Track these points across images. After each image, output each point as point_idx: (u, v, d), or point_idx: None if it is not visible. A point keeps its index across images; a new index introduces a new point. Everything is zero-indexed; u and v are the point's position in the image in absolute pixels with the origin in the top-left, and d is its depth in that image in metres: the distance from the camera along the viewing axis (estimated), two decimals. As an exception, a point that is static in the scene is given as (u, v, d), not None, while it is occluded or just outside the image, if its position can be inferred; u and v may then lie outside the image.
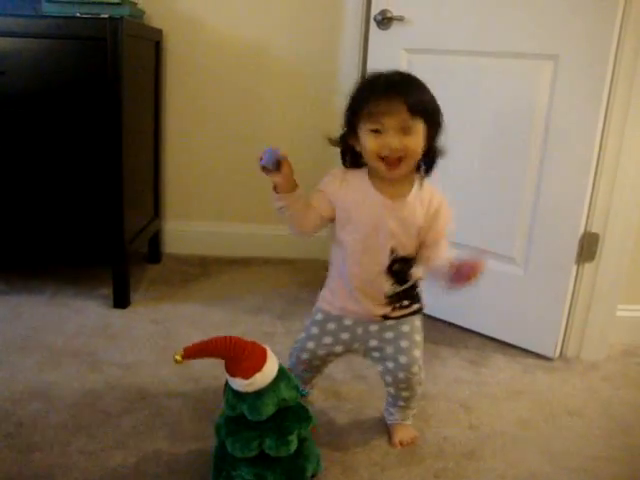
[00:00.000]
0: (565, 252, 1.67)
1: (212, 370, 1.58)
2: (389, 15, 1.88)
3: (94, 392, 1.46)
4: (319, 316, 1.31)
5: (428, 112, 1.13)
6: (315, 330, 1.31)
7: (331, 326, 1.30)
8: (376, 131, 1.11)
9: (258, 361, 1.10)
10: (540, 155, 1.67)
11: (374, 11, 1.93)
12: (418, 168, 1.21)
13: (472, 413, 1.48)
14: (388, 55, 1.92)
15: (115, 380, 1.52)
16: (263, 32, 2.27)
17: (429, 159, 1.19)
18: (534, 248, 1.72)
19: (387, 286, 1.24)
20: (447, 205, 1.22)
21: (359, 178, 1.21)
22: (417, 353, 1.28)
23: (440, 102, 1.80)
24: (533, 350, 1.77)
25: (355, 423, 1.42)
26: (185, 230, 2.44)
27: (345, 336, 1.30)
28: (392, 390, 1.33)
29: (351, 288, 1.25)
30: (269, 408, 1.10)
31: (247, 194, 2.40)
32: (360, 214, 1.20)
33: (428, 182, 1.23)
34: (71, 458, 1.23)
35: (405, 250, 1.22)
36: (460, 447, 1.35)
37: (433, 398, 1.53)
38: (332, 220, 1.24)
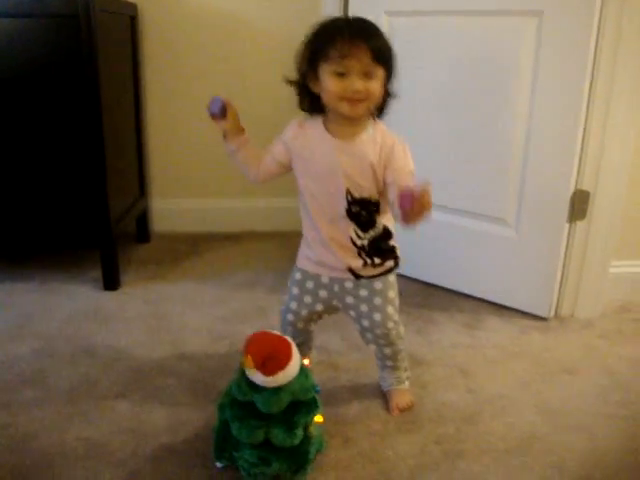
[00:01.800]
0: (556, 211, 1.66)
1: (206, 348, 1.58)
2: (368, -23, 1.83)
3: (89, 377, 1.45)
4: (298, 275, 1.33)
5: (388, 59, 1.16)
6: (295, 290, 1.33)
7: (309, 284, 1.31)
8: (340, 74, 1.12)
9: (283, 359, 1.09)
10: (528, 113, 1.64)
11: (353, -28, 1.88)
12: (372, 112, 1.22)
13: (470, 377, 1.48)
14: (368, 18, 1.87)
15: (110, 363, 1.50)
16: (239, 1, 2.21)
17: (382, 103, 1.21)
18: (525, 208, 1.71)
19: (351, 231, 1.24)
20: (402, 142, 1.21)
21: (314, 125, 1.24)
22: (390, 309, 1.29)
23: (424, 63, 1.80)
24: (528, 311, 1.77)
25: (353, 393, 1.41)
26: (173, 208, 2.40)
27: (323, 294, 1.31)
28: (374, 348, 1.35)
29: (321, 236, 1.26)
30: (283, 404, 1.10)
31: (233, 168, 2.33)
32: (315, 158, 1.22)
33: (382, 126, 1.23)
34: (69, 445, 1.22)
35: (360, 192, 1.21)
36: (459, 412, 1.35)
37: (429, 364, 1.53)
38: (289, 167, 1.27)
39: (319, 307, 1.33)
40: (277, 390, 1.09)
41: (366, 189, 1.21)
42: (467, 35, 1.70)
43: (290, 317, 1.35)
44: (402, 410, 1.34)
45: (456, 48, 1.73)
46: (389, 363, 1.37)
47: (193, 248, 2.26)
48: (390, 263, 1.29)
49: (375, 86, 1.14)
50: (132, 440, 1.24)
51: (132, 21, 2.11)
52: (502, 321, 1.75)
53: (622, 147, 1.61)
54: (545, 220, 1.68)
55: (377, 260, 1.26)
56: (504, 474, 1.17)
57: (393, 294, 1.31)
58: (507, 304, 1.80)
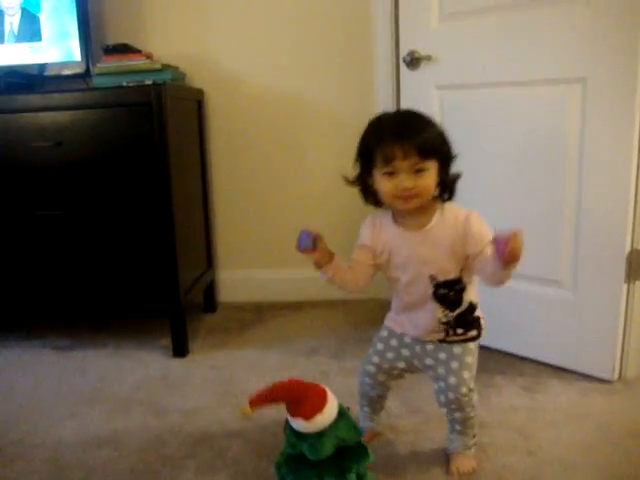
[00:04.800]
0: (613, 271, 1.66)
1: (270, 411, 1.61)
2: (417, 55, 1.95)
3: (159, 437, 1.53)
4: (384, 333, 1.41)
5: (438, 151, 1.19)
6: (380, 346, 1.40)
7: (393, 342, 1.38)
8: (389, 173, 1.18)
9: (319, 402, 1.15)
10: (577, 178, 1.68)
11: (402, 53, 2.00)
12: (439, 196, 1.25)
13: (530, 440, 1.47)
14: (420, 93, 1.98)
15: (178, 425, 1.58)
16: (299, 83, 2.38)
17: (445, 188, 1.24)
18: (581, 270, 1.71)
19: (439, 313, 1.29)
20: (475, 214, 1.24)
21: (385, 221, 1.29)
22: (466, 375, 1.31)
23: (474, 134, 1.87)
24: (590, 373, 1.74)
25: (412, 455, 1.43)
26: (238, 278, 2.52)
27: (405, 352, 1.37)
28: (445, 411, 1.36)
29: (409, 314, 1.33)
30: (328, 448, 1.14)
31: (294, 240, 2.47)
32: (394, 252, 1.28)
33: (452, 205, 1.26)
34: (140, 502, 1.29)
35: (445, 274, 1.26)
36: (519, 474, 1.34)
37: (489, 426, 1.52)
38: (380, 266, 1.31)
39: (401, 364, 1.38)
40: (320, 435, 1.14)
41: (450, 271, 1.26)
42: (513, 104, 1.78)
43: (371, 369, 1.40)
44: (462, 475, 1.34)
45: (504, 118, 1.81)
46: (457, 427, 1.38)
47: (257, 316, 2.36)
48: (473, 333, 1.33)
49: (426, 181, 1.18)
50: (198, 498, 1.30)
51: (199, 105, 2.31)
52: (563, 384, 1.73)
53: (676, 206, 1.61)
54: (602, 281, 1.68)
55: (460, 331, 1.31)
56: (567, 538, 1.15)
57: (471, 360, 1.33)
58: (568, 367, 1.78)
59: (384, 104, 2.31)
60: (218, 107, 2.41)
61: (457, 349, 1.31)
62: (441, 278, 1.26)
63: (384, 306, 2.34)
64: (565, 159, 1.70)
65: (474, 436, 1.39)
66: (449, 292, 1.27)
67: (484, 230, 1.22)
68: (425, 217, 1.25)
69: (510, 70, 1.77)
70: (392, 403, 1.63)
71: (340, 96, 2.38)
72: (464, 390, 1.30)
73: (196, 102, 2.29)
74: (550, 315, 1.79)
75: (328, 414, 1.15)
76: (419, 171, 1.17)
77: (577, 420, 1.55)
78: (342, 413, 1.18)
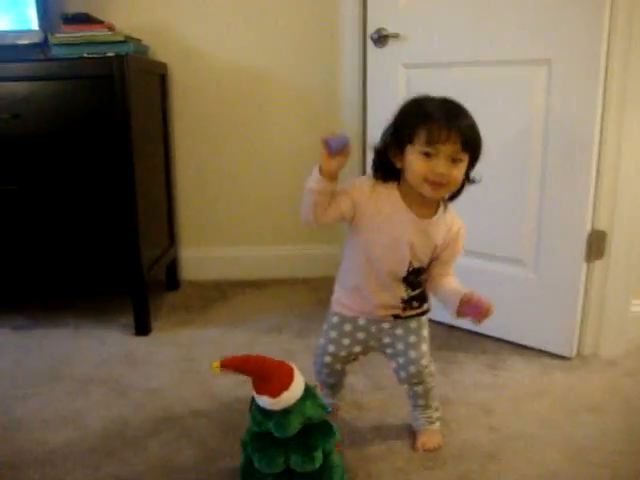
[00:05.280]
0: (574, 251, 1.70)
1: (235, 389, 1.62)
2: (385, 33, 1.94)
3: (121, 417, 1.50)
4: (335, 319, 1.37)
5: (476, 147, 1.19)
6: (333, 334, 1.37)
7: (347, 327, 1.36)
8: (427, 154, 1.16)
9: (286, 380, 1.14)
10: (541, 158, 1.70)
11: (370, 30, 1.99)
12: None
13: (492, 416, 1.50)
14: (387, 71, 1.98)
15: (141, 404, 1.56)
16: (264, 58, 2.35)
17: (463, 187, 1.25)
18: (543, 249, 1.75)
19: (402, 292, 1.30)
20: (464, 229, 1.30)
21: (388, 192, 1.25)
22: (425, 347, 1.35)
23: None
24: (550, 350, 1.78)
25: (377, 431, 1.44)
26: (201, 256, 2.49)
27: (361, 335, 1.36)
28: (407, 387, 1.38)
29: (368, 292, 1.31)
30: (295, 425, 1.14)
31: (258, 217, 2.46)
32: (385, 227, 1.24)
33: (450, 208, 1.30)
34: (102, 482, 1.27)
35: (420, 263, 1.29)
36: (482, 449, 1.37)
37: (452, 403, 1.55)
38: (348, 220, 1.27)
39: (357, 349, 1.37)
40: (286, 412, 1.13)
41: (424, 260, 1.29)
42: (479, 84, 1.78)
43: (328, 359, 1.39)
44: (427, 450, 1.36)
45: (470, 98, 1.80)
46: (421, 402, 1.39)
47: (221, 294, 2.34)
48: (425, 306, 1.36)
49: (459, 172, 1.18)
50: (164, 478, 1.28)
51: (162, 79, 2.25)
52: (524, 361, 1.77)
53: (635, 187, 1.65)
54: (563, 260, 1.71)
55: (415, 304, 1.33)
56: (527, 510, 1.18)
57: (426, 333, 1.36)
58: (529, 344, 1.82)
59: (350, 81, 2.30)
60: (182, 82, 2.35)
61: (413, 324, 1.34)
62: (416, 265, 1.28)
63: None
64: (530, 140, 1.72)
65: (437, 409, 1.42)
66: (416, 278, 1.31)
67: (460, 248, 1.31)
68: (428, 209, 1.26)
69: (477, 50, 1.78)
70: (356, 379, 1.64)
71: (305, 72, 2.36)
72: (424, 362, 1.33)
73: (159, 76, 2.23)
74: (512, 294, 1.82)
75: (295, 392, 1.15)
76: (455, 161, 1.16)
77: (538, 396, 1.59)
78: (309, 391, 1.18)
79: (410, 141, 1.17)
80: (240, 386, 1.65)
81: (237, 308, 2.21)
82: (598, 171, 1.65)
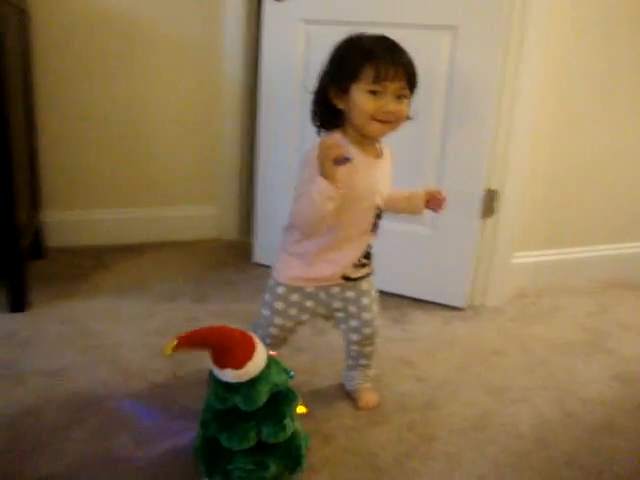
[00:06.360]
0: (470, 210, 1.82)
1: (148, 361, 1.50)
2: (282, -15, 1.87)
3: (30, 408, 1.31)
4: (281, 290, 1.29)
5: (416, 83, 1.19)
6: (280, 305, 1.29)
7: (294, 297, 1.29)
8: (374, 92, 1.13)
9: (248, 349, 1.07)
10: (442, 123, 1.79)
11: (265, -19, 1.90)
12: None
13: (414, 367, 1.58)
14: (284, 27, 1.91)
15: (48, 390, 1.37)
16: (138, 7, 2.11)
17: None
18: (441, 208, 1.85)
19: (370, 242, 1.29)
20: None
21: (344, 142, 1.18)
22: (376, 307, 1.36)
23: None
24: (445, 303, 1.92)
25: (313, 395, 1.44)
26: (69, 220, 2.22)
27: (309, 303, 1.30)
28: (356, 347, 1.38)
29: (338, 254, 1.24)
30: (263, 395, 1.08)
31: (131, 178, 2.25)
32: (354, 180, 1.17)
33: None
34: (38, 483, 1.11)
35: (383, 204, 1.27)
36: (417, 399, 1.44)
37: (374, 358, 1.60)
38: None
39: (304, 317, 1.32)
40: (252, 383, 1.07)
41: (384, 200, 1.27)
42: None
43: (274, 331, 1.32)
44: (371, 408, 1.39)
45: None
46: (363, 362, 1.41)
47: (97, 262, 2.12)
48: (373, 265, 1.34)
49: (405, 109, 1.17)
50: (101, 471, 1.15)
51: (21, 24, 1.91)
52: (425, 314, 1.88)
53: (523, 150, 1.82)
54: (460, 219, 1.83)
55: (365, 260, 1.30)
56: (476, 448, 1.27)
57: (375, 293, 1.36)
58: (427, 298, 1.94)
59: (233, 33, 2.19)
60: (44, 28, 2.03)
61: (364, 285, 1.32)
62: (382, 207, 1.26)
63: (230, 246, 2.33)
64: (433, 102, 1.79)
65: (372, 367, 1.45)
66: (379, 221, 1.28)
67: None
68: (374, 147, 1.24)
69: (383, 11, 1.79)
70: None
71: (181, 20, 2.18)
72: (377, 322, 1.36)
73: (17, 21, 1.90)
74: (410, 252, 1.91)
75: (259, 360, 1.08)
76: (400, 97, 1.15)
77: (447, 345, 1.71)
78: (270, 358, 1.14)
79: (355, 80, 1.14)
80: (154, 359, 1.53)
81: (121, 275, 2.03)
82: (495, 136, 1.78)
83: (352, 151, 1.17)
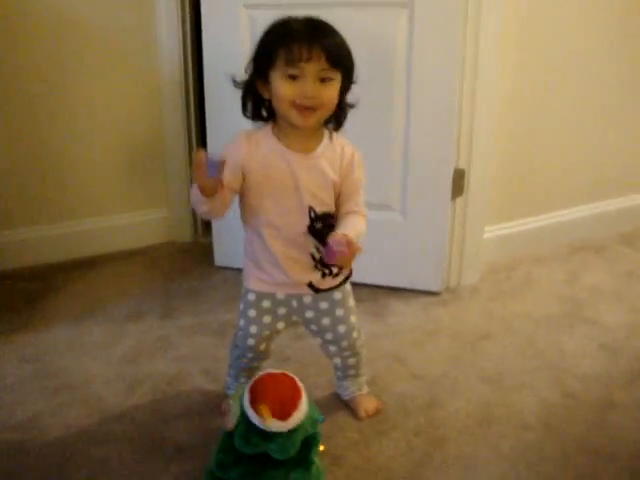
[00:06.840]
0: (440, 191, 1.76)
1: (128, 398, 1.38)
2: (221, -33, 1.72)
3: (5, 469, 1.17)
4: (251, 297, 1.22)
5: (345, 62, 1.10)
6: (252, 312, 1.23)
7: (266, 304, 1.22)
8: (292, 77, 1.05)
9: (295, 398, 1.01)
10: (405, 101, 1.71)
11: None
12: (327, 123, 1.16)
13: (407, 364, 1.53)
14: (224, 13, 1.78)
15: (18, 445, 1.23)
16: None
17: (339, 114, 1.16)
18: (409, 192, 1.78)
19: (311, 247, 1.18)
20: (360, 154, 1.19)
21: (264, 134, 1.14)
22: (353, 319, 1.28)
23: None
24: (421, 288, 1.86)
25: (310, 406, 1.37)
26: (6, 241, 2.00)
27: (282, 310, 1.23)
28: (338, 360, 1.32)
29: (276, 257, 1.17)
30: (298, 445, 1.02)
31: (68, 187, 2.06)
32: (272, 175, 1.12)
33: (339, 136, 1.19)
34: None
35: (323, 206, 1.16)
36: (418, 400, 1.39)
37: (365, 359, 1.54)
38: (244, 189, 1.15)
39: (280, 325, 1.25)
40: (292, 432, 1.01)
41: (329, 204, 1.16)
42: (340, 28, 1.69)
43: (251, 342, 1.25)
44: (371, 416, 1.33)
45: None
46: (352, 372, 1.34)
47: (47, 284, 1.92)
48: (346, 270, 1.24)
49: (330, 92, 1.07)
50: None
51: None
52: (403, 303, 1.82)
53: (487, 127, 1.77)
54: (430, 202, 1.77)
55: (335, 269, 1.21)
56: (488, 447, 1.24)
57: (352, 302, 1.28)
58: (403, 286, 1.88)
59: (165, 19, 2.02)
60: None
61: (337, 295, 1.24)
62: (319, 210, 1.15)
63: (187, 250, 2.20)
64: (393, 82, 1.71)
65: (365, 373, 1.38)
66: (323, 227, 1.17)
67: (361, 177, 1.19)
68: (312, 141, 1.14)
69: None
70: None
71: (112, 11, 1.98)
72: (355, 334, 1.28)
73: None
74: (381, 239, 1.83)
75: (303, 409, 1.02)
76: (324, 80, 1.06)
77: (434, 335, 1.66)
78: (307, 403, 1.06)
79: (271, 65, 1.07)
80: (131, 392, 1.41)
81: (76, 297, 1.85)
82: (461, 110, 1.71)
83: (269, 141, 1.12)
